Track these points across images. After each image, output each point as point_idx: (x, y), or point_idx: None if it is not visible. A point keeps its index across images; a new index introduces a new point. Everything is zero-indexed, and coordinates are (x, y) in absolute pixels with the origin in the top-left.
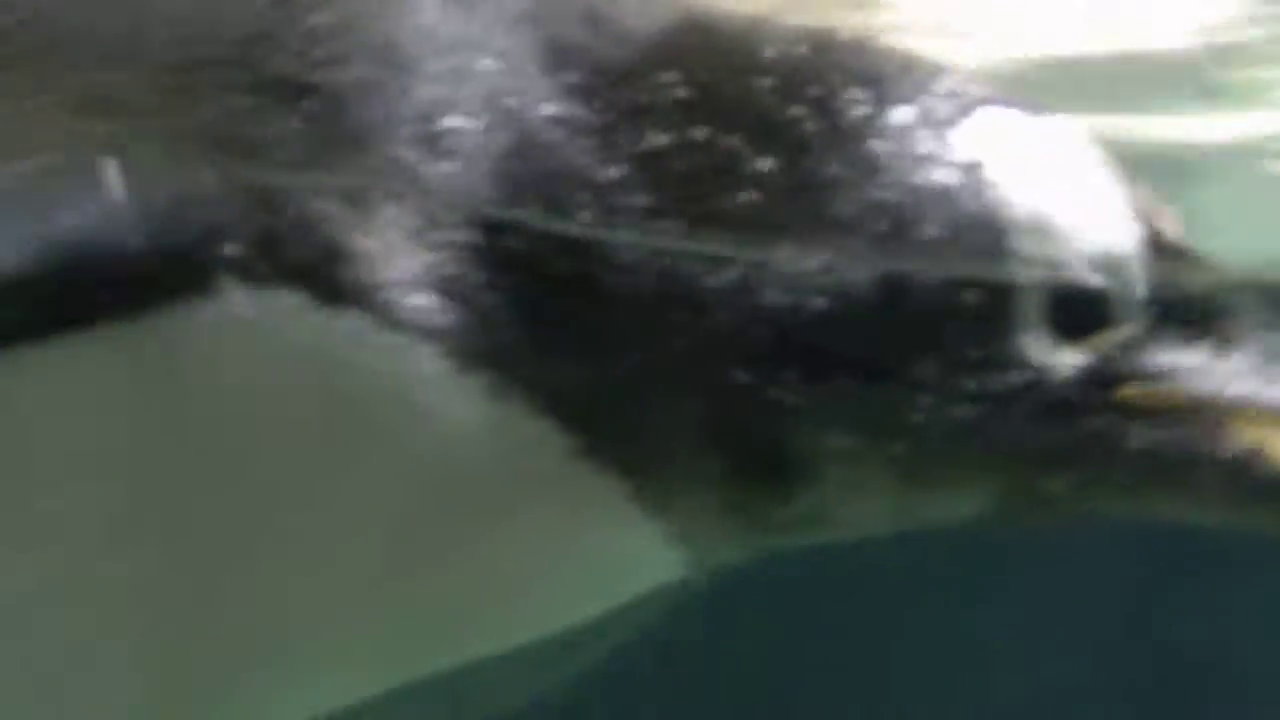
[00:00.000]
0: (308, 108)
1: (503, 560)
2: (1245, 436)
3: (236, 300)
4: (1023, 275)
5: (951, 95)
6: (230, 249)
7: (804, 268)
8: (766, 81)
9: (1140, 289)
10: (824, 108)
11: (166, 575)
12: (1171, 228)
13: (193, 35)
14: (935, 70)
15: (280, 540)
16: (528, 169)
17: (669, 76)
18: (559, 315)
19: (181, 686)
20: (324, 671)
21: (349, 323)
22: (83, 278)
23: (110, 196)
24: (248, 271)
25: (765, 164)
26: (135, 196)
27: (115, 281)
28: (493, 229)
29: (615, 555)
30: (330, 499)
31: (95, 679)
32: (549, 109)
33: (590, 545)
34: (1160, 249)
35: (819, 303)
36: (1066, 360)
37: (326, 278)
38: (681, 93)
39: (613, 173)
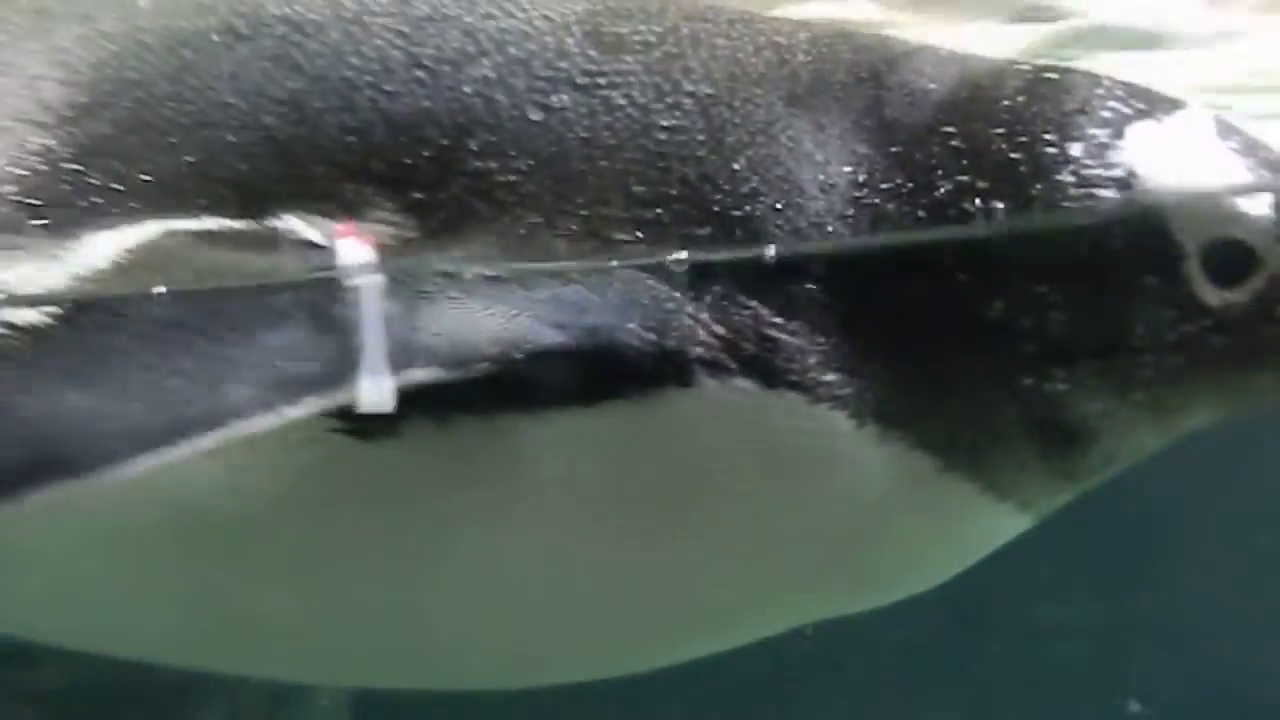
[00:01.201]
0: (740, 237)
1: (898, 552)
2: None
3: (708, 388)
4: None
5: (1116, 113)
6: (703, 350)
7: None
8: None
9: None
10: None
11: (665, 567)
12: None
13: (659, 179)
14: (1103, 92)
15: (742, 547)
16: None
17: (949, 131)
18: (915, 373)
19: (680, 625)
20: (763, 622)
21: (786, 401)
22: (607, 364)
23: (626, 305)
24: (716, 366)
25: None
26: (643, 306)
27: (627, 370)
28: (866, 310)
29: (979, 532)
30: (778, 522)
31: (627, 621)
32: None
33: (960, 529)
34: None
35: (1062, 316)
36: (1232, 298)
37: (769, 368)
38: (958, 144)
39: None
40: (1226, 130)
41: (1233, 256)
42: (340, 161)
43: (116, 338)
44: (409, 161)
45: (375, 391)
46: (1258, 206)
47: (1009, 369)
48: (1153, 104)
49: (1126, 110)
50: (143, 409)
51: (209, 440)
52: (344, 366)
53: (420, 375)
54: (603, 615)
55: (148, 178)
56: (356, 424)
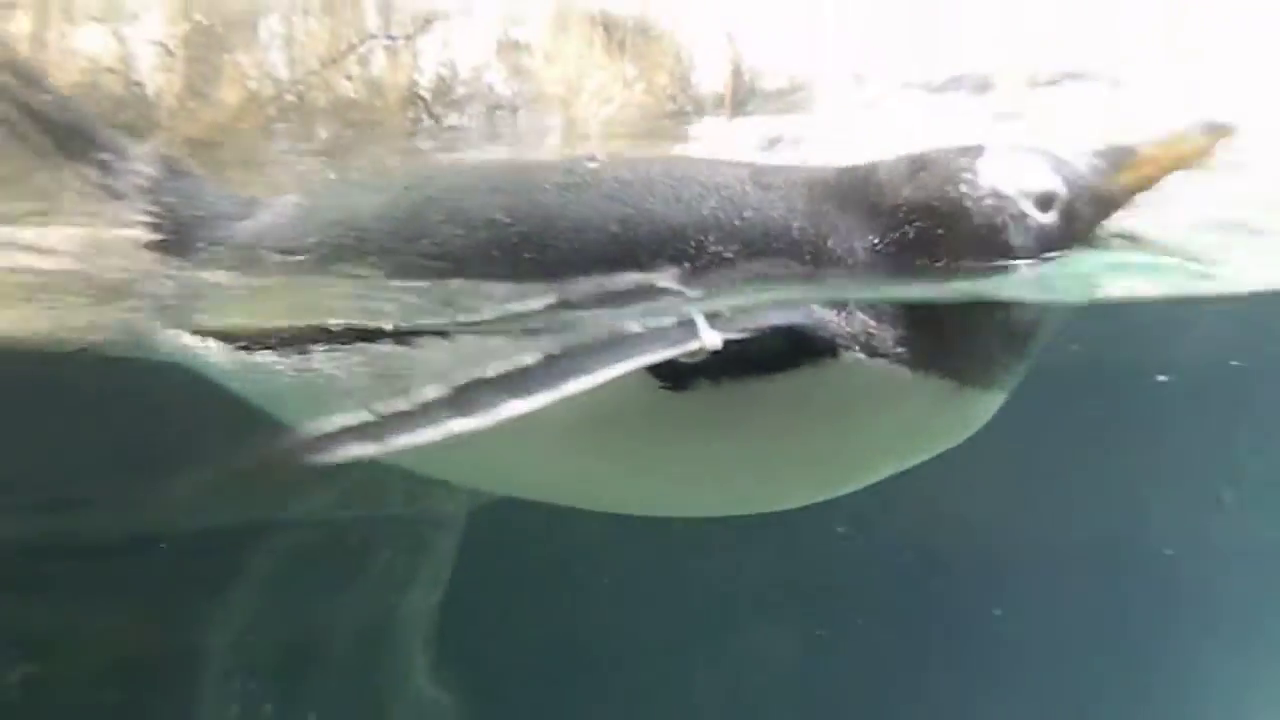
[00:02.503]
0: (832, 275)
1: (934, 434)
2: None
3: (844, 357)
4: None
5: (964, 161)
6: (841, 336)
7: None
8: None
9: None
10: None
11: (819, 460)
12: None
13: (795, 251)
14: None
15: (854, 440)
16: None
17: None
18: (942, 345)
19: (821, 489)
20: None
21: (879, 364)
22: (800, 342)
23: (807, 309)
24: (846, 346)
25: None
26: (815, 310)
27: (809, 346)
28: (913, 314)
29: (977, 419)
30: (874, 428)
31: (799, 489)
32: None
33: (968, 419)
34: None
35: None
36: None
37: (871, 346)
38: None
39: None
40: (1018, 147)
41: (1046, 200)
42: (649, 248)
43: (578, 334)
44: (681, 248)
45: (712, 338)
46: (1051, 176)
47: (986, 329)
48: (978, 151)
49: (967, 158)
50: (597, 354)
51: (629, 365)
52: (692, 332)
53: (725, 334)
54: (785, 491)
55: (551, 261)
56: (674, 382)
